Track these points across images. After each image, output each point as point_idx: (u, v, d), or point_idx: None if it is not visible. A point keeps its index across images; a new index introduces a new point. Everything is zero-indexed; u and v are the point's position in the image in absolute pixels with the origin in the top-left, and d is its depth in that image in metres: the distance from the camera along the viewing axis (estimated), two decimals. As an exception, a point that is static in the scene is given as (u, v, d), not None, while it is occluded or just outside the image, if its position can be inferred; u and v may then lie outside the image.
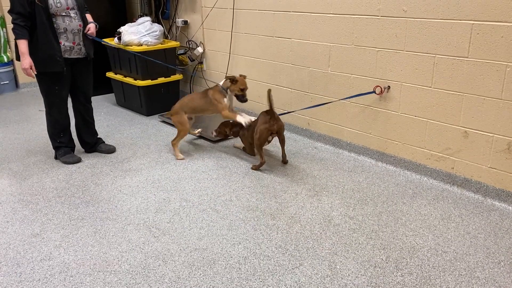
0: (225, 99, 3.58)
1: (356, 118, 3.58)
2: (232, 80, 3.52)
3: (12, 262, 2.39)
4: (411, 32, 3.07)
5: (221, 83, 3.62)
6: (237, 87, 3.52)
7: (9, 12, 3.17)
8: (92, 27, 3.47)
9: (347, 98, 3.52)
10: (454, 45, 2.88)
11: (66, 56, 3.35)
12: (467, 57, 2.84)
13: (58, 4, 3.20)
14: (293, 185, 3.19)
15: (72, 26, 3.30)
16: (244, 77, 3.59)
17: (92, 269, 2.32)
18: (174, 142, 3.71)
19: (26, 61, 3.18)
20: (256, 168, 3.43)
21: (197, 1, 4.81)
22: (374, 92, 3.33)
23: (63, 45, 3.31)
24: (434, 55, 2.99)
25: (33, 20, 3.16)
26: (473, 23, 2.76)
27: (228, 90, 3.57)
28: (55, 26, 3.24)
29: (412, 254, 2.39)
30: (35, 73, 3.24)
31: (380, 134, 3.47)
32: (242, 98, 3.56)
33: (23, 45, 3.17)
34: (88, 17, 3.55)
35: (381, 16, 3.21)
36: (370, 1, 3.24)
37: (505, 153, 2.82)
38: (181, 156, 3.69)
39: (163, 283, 2.21)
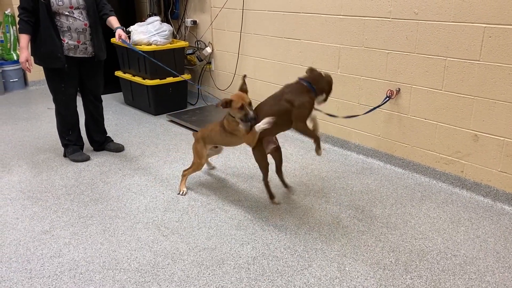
0: (241, 125, 2.69)
1: (365, 120, 3.57)
2: (225, 103, 2.63)
3: (22, 258, 2.41)
4: (422, 35, 3.06)
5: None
6: (234, 109, 2.62)
7: (18, 7, 3.26)
8: (122, 33, 3.43)
9: (370, 110, 3.37)
10: (465, 48, 2.87)
11: (71, 54, 3.37)
12: (478, 60, 2.83)
13: (59, 2, 3.22)
14: (302, 186, 3.18)
15: (75, 25, 3.31)
16: (245, 90, 2.71)
17: (102, 266, 2.33)
18: (185, 173, 3.15)
19: (23, 55, 3.26)
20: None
21: (206, 1, 4.82)
22: (389, 97, 3.31)
23: (67, 43, 3.32)
24: (445, 58, 2.98)
25: (37, 16, 3.22)
26: (485, 26, 2.75)
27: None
28: (58, 24, 3.27)
29: (422, 257, 2.38)
30: (31, 67, 3.31)
31: (389, 137, 3.46)
32: (245, 117, 2.62)
33: (23, 39, 3.26)
34: (114, 20, 3.47)
35: (392, 18, 3.20)
36: (381, 3, 3.24)
37: (515, 157, 2.81)
38: (183, 189, 3.12)
39: (172, 281, 2.21)
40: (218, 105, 2.64)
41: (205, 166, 3.36)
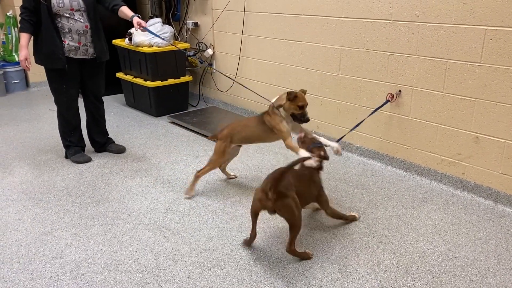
0: (284, 123, 2.86)
1: (366, 122, 3.57)
2: (292, 97, 2.78)
3: (24, 259, 2.41)
4: (423, 37, 3.06)
5: (273, 100, 2.91)
6: (295, 105, 2.79)
7: (20, 6, 3.29)
8: (142, 22, 3.36)
9: (370, 114, 3.36)
10: (466, 50, 2.87)
11: (72, 55, 3.38)
12: (479, 63, 2.83)
13: (60, 4, 3.23)
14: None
15: (76, 27, 3.32)
16: (304, 92, 2.90)
17: (103, 268, 2.33)
18: (199, 174, 3.08)
19: (22, 53, 3.30)
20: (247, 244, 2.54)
21: (207, 3, 4.84)
22: (388, 101, 3.32)
23: (68, 44, 3.33)
24: (446, 60, 2.99)
25: (38, 17, 3.25)
26: (486, 29, 2.75)
27: (282, 109, 2.83)
28: (59, 25, 3.29)
29: (423, 259, 2.38)
30: (30, 66, 3.34)
31: (390, 139, 3.47)
32: (301, 117, 2.82)
33: (23, 38, 3.29)
34: (126, 10, 3.40)
35: (393, 20, 3.21)
36: (382, 5, 3.25)
37: (517, 159, 2.81)
38: (192, 193, 3.09)
39: (173, 283, 2.21)
40: (289, 92, 2.79)
41: (222, 175, 3.36)
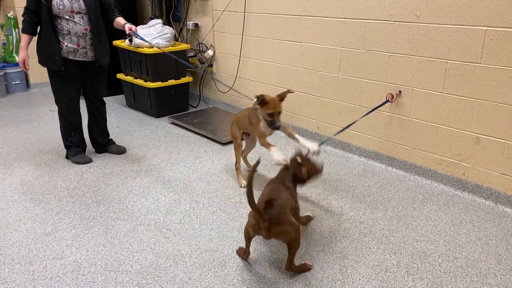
0: (261, 124, 2.83)
1: (366, 123, 3.57)
2: (261, 101, 2.71)
3: (25, 260, 2.41)
4: (424, 37, 3.07)
5: (254, 99, 2.80)
6: (264, 111, 2.72)
7: (24, 7, 3.33)
8: (132, 26, 3.50)
9: (366, 114, 3.38)
10: (466, 50, 2.87)
11: (71, 57, 3.39)
12: (479, 63, 2.83)
13: (60, 6, 3.24)
14: (303, 188, 3.18)
15: (76, 29, 3.33)
16: (284, 94, 2.75)
17: (104, 268, 2.34)
18: (237, 166, 3.26)
19: (21, 55, 3.37)
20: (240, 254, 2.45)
21: (208, 4, 4.84)
22: (388, 101, 3.33)
23: (66, 46, 3.34)
24: (446, 61, 2.99)
25: (40, 18, 3.29)
26: (486, 29, 2.76)
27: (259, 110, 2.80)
28: (58, 27, 3.30)
29: (423, 260, 2.39)
30: (28, 67, 3.40)
31: (390, 139, 3.47)
32: (271, 124, 2.74)
33: (23, 39, 3.35)
34: (121, 19, 3.55)
35: (394, 21, 3.21)
36: (383, 6, 3.25)
37: (517, 160, 2.81)
38: (243, 182, 3.21)
39: (174, 283, 2.22)
40: (257, 96, 2.73)
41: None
